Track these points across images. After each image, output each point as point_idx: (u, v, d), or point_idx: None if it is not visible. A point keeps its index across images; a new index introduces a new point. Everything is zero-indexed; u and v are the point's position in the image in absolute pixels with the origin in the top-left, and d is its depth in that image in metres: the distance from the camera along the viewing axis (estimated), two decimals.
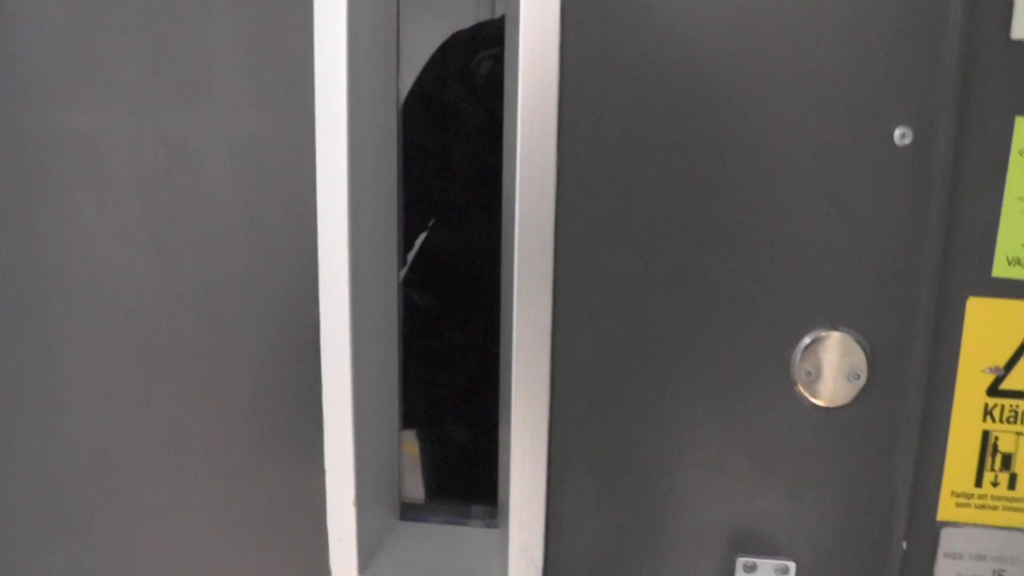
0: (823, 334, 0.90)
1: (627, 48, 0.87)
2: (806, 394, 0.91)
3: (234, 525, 1.00)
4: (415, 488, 1.27)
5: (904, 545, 0.94)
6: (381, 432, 1.01)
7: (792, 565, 0.95)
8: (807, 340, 0.90)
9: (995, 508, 0.93)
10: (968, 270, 0.88)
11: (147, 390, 0.98)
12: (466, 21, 1.15)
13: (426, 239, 1.15)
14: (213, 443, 0.98)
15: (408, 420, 1.14)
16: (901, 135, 0.86)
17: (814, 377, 0.90)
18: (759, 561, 0.95)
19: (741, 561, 0.95)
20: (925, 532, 0.94)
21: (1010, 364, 0.90)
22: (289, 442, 0.96)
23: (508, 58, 0.93)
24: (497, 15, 1.07)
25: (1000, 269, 0.89)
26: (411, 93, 1.13)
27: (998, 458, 0.93)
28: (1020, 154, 0.87)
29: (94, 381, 0.99)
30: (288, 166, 0.91)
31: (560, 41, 0.86)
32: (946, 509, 0.93)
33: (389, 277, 1.00)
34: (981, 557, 0.95)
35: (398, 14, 0.99)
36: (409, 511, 1.07)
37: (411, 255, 1.16)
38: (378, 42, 0.95)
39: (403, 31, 1.01)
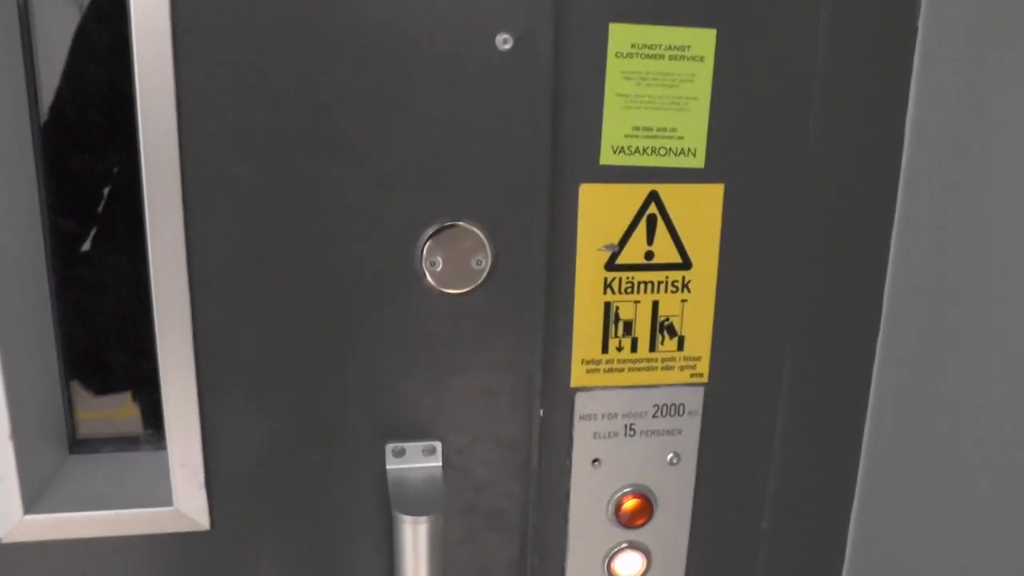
0: (445, 225, 0.96)
1: None
2: (434, 284, 0.98)
3: None
4: None
5: (541, 412, 1.04)
6: (38, 366, 1.00)
7: (438, 445, 1.03)
8: (429, 233, 0.96)
9: (621, 370, 1.05)
10: (578, 160, 0.98)
11: None
12: None
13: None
14: None
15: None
16: (503, 41, 0.93)
17: (439, 267, 0.97)
18: (407, 445, 1.03)
19: (390, 447, 1.02)
20: (560, 399, 1.05)
21: (623, 241, 1.01)
22: None
23: None
24: None
25: (607, 157, 0.99)
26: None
27: (620, 325, 1.04)
28: (616, 56, 0.96)
29: None
30: None
31: None
32: (578, 376, 1.04)
33: (29, 202, 0.99)
34: (612, 415, 1.06)
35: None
36: (81, 445, 1.07)
37: None
38: None
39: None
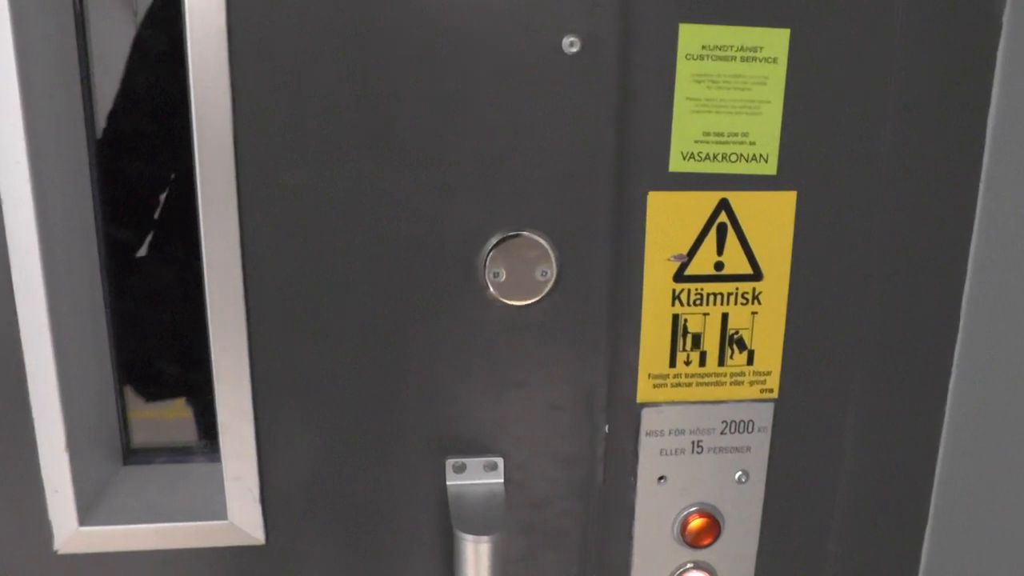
0: (507, 236, 0.94)
1: None
2: (497, 295, 0.95)
3: None
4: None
5: (607, 429, 1.01)
6: (92, 376, 0.99)
7: (500, 461, 1.01)
8: (492, 243, 0.94)
9: (689, 385, 1.01)
10: (646, 167, 0.94)
11: None
12: None
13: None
14: None
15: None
16: (569, 43, 0.90)
17: (502, 278, 0.94)
18: (467, 460, 1.00)
19: (450, 462, 1.00)
20: (626, 414, 1.01)
21: (692, 251, 0.98)
22: None
23: None
24: None
25: (676, 164, 0.95)
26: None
27: (688, 338, 1.00)
28: (686, 58, 0.93)
29: None
30: None
31: None
32: (644, 391, 1.01)
33: (84, 210, 0.98)
34: (680, 432, 1.03)
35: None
36: (134, 455, 1.06)
37: None
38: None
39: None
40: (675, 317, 1.00)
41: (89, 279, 1.00)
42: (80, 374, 0.96)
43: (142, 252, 1.06)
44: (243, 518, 0.97)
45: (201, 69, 0.85)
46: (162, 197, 1.05)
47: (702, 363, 1.01)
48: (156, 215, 1.06)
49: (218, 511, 0.98)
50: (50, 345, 0.90)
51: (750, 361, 1.02)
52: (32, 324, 0.90)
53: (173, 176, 1.05)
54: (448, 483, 1.00)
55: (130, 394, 1.09)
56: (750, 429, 1.03)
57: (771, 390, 1.03)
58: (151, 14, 1.01)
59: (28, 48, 0.86)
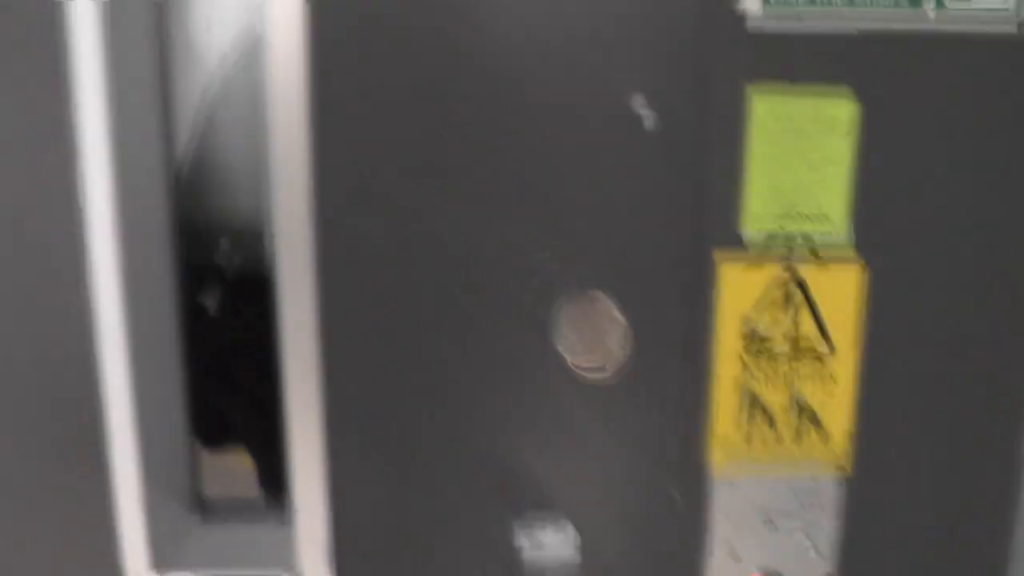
0: (583, 302, 0.94)
1: (379, 21, 0.89)
2: (568, 359, 0.95)
3: (16, 535, 0.99)
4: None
5: (678, 499, 1.00)
6: (166, 426, 1.02)
7: (570, 527, 0.99)
8: (567, 308, 0.94)
9: (761, 459, 1.00)
10: (719, 236, 0.95)
11: None
12: None
13: None
14: None
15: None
16: (642, 105, 0.91)
17: (574, 343, 0.95)
18: (538, 526, 0.99)
19: (520, 527, 0.99)
20: (697, 487, 1.00)
21: (764, 322, 0.97)
22: (71, 446, 0.96)
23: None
24: None
25: (749, 234, 0.96)
26: None
27: (760, 412, 0.99)
28: (758, 126, 0.94)
29: None
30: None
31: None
32: (716, 464, 0.99)
33: (164, 275, 1.01)
34: (752, 506, 1.01)
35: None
36: (207, 511, 1.07)
37: None
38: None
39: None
40: (747, 390, 0.99)
41: (163, 324, 1.03)
42: (155, 424, 0.98)
43: (214, 300, 1.09)
44: (312, 572, 0.97)
45: (279, 119, 0.89)
46: (229, 247, 1.09)
47: (774, 437, 1.00)
48: (226, 267, 1.09)
49: (287, 564, 0.98)
50: (129, 393, 0.92)
51: (822, 436, 1.00)
52: (113, 372, 0.93)
53: (241, 227, 1.08)
54: (518, 548, 0.99)
55: (199, 444, 1.11)
56: (823, 506, 1.02)
57: (844, 467, 1.01)
58: (231, 58, 1.04)
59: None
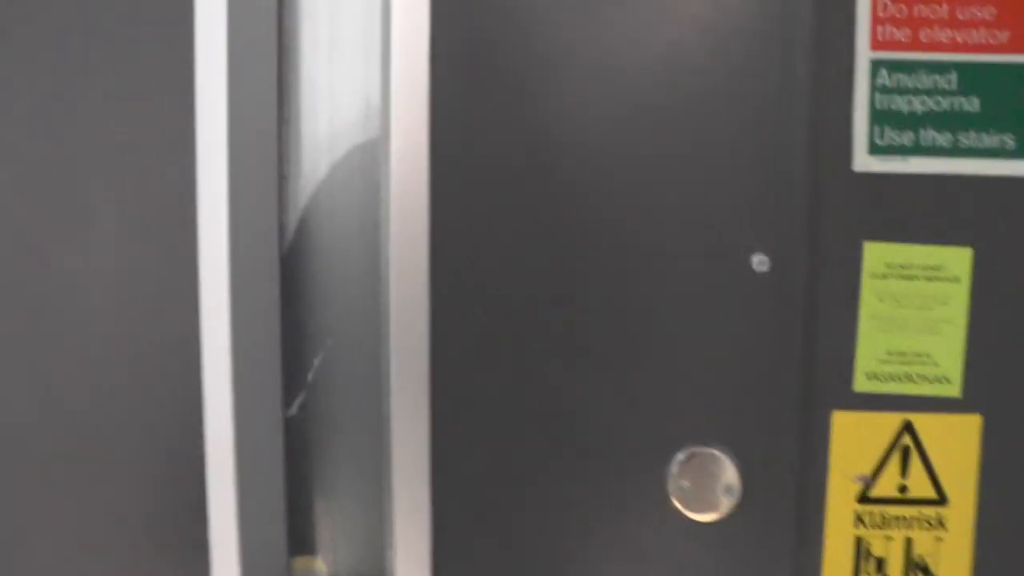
0: (695, 450, 0.94)
1: (495, 184, 0.93)
2: (682, 509, 0.94)
3: None
4: None
5: None
6: (268, 535, 1.03)
7: None
8: (680, 456, 0.94)
9: None
10: (831, 386, 0.94)
11: (28, 522, 0.98)
12: None
13: None
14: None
15: None
16: (759, 262, 0.92)
17: (688, 492, 0.94)
18: None
19: None
20: None
21: (876, 473, 0.96)
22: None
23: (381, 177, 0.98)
24: None
25: (860, 384, 0.95)
26: None
27: (872, 563, 0.97)
28: (870, 276, 0.94)
29: None
30: (169, 297, 0.95)
31: (429, 157, 0.92)
32: None
33: (273, 399, 1.03)
34: None
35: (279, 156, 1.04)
36: None
37: None
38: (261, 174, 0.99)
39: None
40: (858, 540, 0.96)
41: (272, 464, 1.04)
42: (258, 547, 0.99)
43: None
44: None
45: (400, 271, 0.91)
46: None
47: None
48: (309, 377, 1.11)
49: None
50: (235, 522, 0.94)
51: None
52: (217, 501, 0.95)
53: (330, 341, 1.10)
54: None
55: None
56: None
57: None
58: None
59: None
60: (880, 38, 0.92)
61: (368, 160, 1.06)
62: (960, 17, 0.91)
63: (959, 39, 0.91)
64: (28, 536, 0.99)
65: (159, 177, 0.94)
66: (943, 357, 0.94)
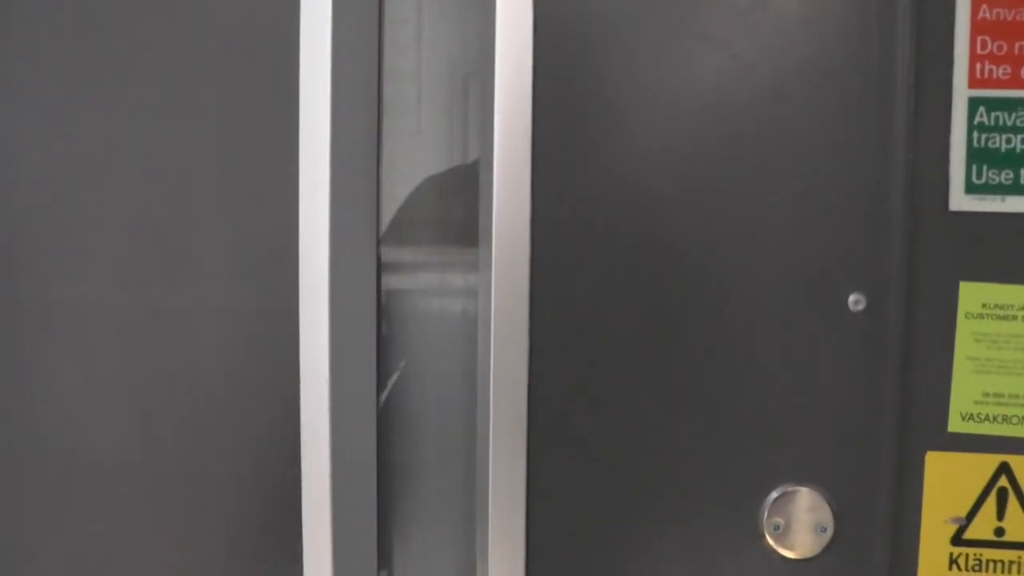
0: (790, 489, 0.94)
1: (597, 224, 0.94)
2: (775, 547, 0.94)
3: None
4: None
5: None
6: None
7: None
8: (775, 495, 0.94)
9: None
10: (925, 426, 0.94)
11: (131, 555, 1.01)
12: None
13: None
14: None
15: None
16: (855, 301, 0.92)
17: (782, 531, 0.94)
18: None
19: None
20: None
21: (971, 514, 0.94)
22: None
23: (481, 235, 1.00)
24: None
25: (955, 424, 0.94)
26: None
27: None
28: (966, 316, 0.93)
29: (78, 547, 1.01)
30: (272, 335, 0.97)
31: (531, 215, 0.93)
32: None
33: (368, 436, 1.04)
34: None
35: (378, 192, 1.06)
36: None
37: None
38: (360, 209, 1.01)
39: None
40: None
41: (366, 498, 1.06)
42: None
43: None
44: None
45: (501, 320, 0.93)
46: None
47: None
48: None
49: None
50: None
51: None
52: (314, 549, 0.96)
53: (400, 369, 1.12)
54: None
55: None
56: None
57: None
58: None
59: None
60: (979, 75, 0.92)
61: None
62: None
63: None
64: (140, 549, 1.01)
65: (263, 219, 0.97)
66: None
